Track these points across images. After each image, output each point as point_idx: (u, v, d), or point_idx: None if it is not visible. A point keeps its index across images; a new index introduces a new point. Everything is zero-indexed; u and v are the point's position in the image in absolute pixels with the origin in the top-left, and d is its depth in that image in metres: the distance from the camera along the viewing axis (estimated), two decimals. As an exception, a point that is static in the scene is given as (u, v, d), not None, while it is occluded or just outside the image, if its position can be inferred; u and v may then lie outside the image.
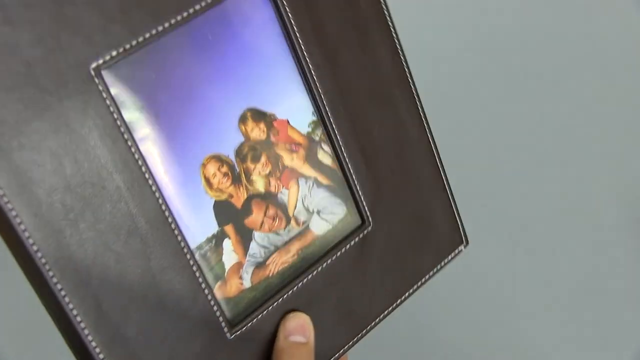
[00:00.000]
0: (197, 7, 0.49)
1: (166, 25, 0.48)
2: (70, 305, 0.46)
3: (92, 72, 0.46)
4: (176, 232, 0.49)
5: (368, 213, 0.58)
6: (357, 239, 0.58)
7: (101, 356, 0.47)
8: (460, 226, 0.63)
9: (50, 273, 0.45)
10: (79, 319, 0.47)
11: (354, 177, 0.57)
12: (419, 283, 0.62)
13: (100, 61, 0.46)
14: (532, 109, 0.67)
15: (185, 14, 0.48)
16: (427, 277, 0.62)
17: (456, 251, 0.64)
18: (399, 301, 0.61)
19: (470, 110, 0.66)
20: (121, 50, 0.46)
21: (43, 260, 0.45)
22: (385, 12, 0.56)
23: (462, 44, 0.66)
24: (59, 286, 0.46)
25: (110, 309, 0.48)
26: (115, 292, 0.48)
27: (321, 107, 0.54)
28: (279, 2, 0.52)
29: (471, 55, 0.67)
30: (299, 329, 0.55)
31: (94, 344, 0.47)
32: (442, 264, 0.63)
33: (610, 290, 0.75)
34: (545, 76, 0.67)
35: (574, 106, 0.68)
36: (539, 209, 0.69)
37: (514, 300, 0.65)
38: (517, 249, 0.68)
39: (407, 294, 0.61)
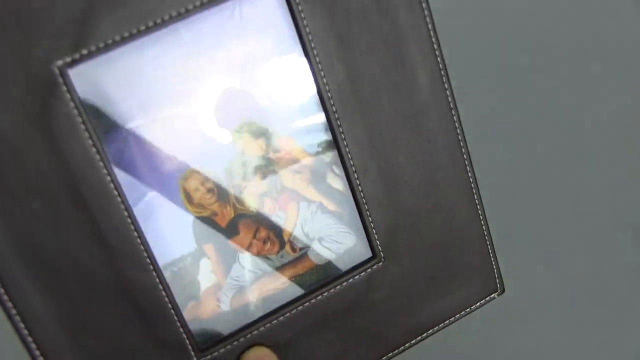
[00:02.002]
0: (191, 6, 0.43)
1: (151, 24, 0.43)
2: (15, 312, 0.44)
3: (57, 71, 0.42)
4: (143, 247, 0.45)
5: (380, 247, 0.51)
6: (363, 274, 0.52)
7: None
8: (495, 271, 0.56)
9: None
10: (23, 326, 0.44)
11: (367, 205, 0.50)
12: (435, 328, 0.55)
13: (68, 59, 0.42)
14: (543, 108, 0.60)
15: (175, 13, 0.43)
16: (446, 322, 0.55)
17: (487, 298, 0.56)
18: (409, 344, 0.55)
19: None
20: (93, 48, 0.42)
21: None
22: (430, 28, 0.48)
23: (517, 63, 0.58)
24: (5, 295, 0.43)
25: (64, 319, 0.45)
26: (72, 302, 0.45)
27: (335, 127, 0.48)
28: (296, 10, 0.46)
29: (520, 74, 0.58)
30: None
31: (38, 352, 0.45)
32: (468, 310, 0.56)
33: (610, 290, 0.69)
34: (543, 76, 0.58)
35: (574, 106, 0.60)
36: (539, 208, 0.61)
37: (514, 300, 0.58)
38: (516, 249, 0.61)
39: (420, 338, 0.55)
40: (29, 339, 0.45)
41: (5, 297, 0.44)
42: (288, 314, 0.50)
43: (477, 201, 0.53)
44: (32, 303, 0.44)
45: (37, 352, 0.45)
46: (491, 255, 0.55)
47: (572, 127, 0.62)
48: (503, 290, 0.56)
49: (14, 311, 0.44)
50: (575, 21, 0.59)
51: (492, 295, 0.56)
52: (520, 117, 0.60)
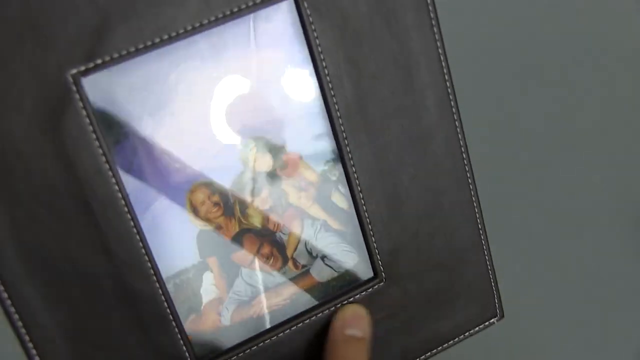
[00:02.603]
0: (206, 20, 0.44)
1: (165, 37, 0.43)
2: (16, 316, 0.44)
3: (70, 79, 0.42)
4: (147, 257, 0.45)
5: (382, 267, 0.51)
6: (364, 293, 0.52)
7: None
8: (495, 296, 0.56)
9: (5, 294, 0.43)
10: (23, 330, 0.44)
11: (371, 225, 0.50)
12: (434, 350, 0.55)
13: (82, 68, 0.42)
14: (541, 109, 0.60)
15: (190, 27, 0.44)
16: (445, 345, 0.55)
17: (486, 323, 0.56)
18: None
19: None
20: (107, 58, 0.42)
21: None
22: (440, 52, 0.49)
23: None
24: (9, 301, 0.43)
25: (70, 327, 0.45)
26: (73, 311, 0.45)
27: (342, 146, 0.48)
28: (308, 27, 0.46)
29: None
30: (355, 321, 0.50)
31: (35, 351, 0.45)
32: (467, 334, 0.56)
33: (610, 290, 0.69)
34: (542, 76, 0.59)
35: (573, 106, 0.60)
36: (538, 208, 0.62)
37: (514, 299, 0.58)
38: (516, 249, 0.61)
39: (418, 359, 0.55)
40: (30, 344, 0.45)
41: (8, 302, 0.44)
42: (288, 331, 0.50)
43: (480, 226, 0.53)
44: (34, 308, 0.44)
45: (35, 353, 0.45)
46: (492, 280, 0.55)
47: (583, 156, 0.62)
48: (502, 316, 0.56)
49: (16, 316, 0.44)
50: (586, 40, 0.59)
51: (491, 320, 0.56)
52: (527, 146, 0.60)
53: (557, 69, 0.59)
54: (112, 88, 0.43)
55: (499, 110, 0.59)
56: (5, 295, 0.44)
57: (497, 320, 0.56)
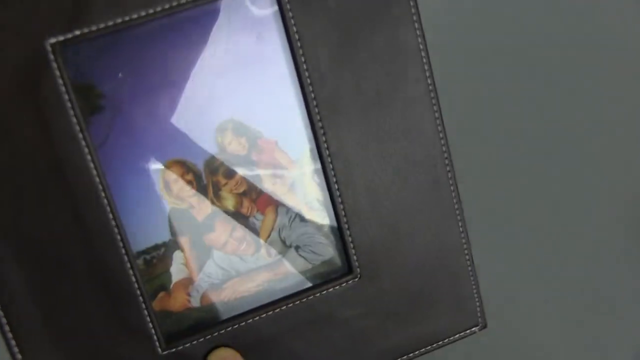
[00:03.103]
0: None
1: (150, 11, 0.45)
2: None
3: (49, 48, 0.44)
4: (117, 229, 0.47)
5: (357, 262, 0.51)
6: (337, 287, 0.52)
7: (12, 340, 0.46)
8: (477, 305, 0.55)
9: None
10: None
11: (347, 219, 0.50)
12: (410, 354, 0.54)
13: (61, 38, 0.44)
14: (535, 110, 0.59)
15: (175, 3, 0.45)
16: (422, 350, 0.54)
17: (467, 331, 0.55)
18: None
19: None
20: (86, 30, 0.44)
21: None
22: (422, 48, 0.49)
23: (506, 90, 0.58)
24: None
25: (40, 295, 0.46)
26: (48, 279, 0.46)
27: (319, 136, 0.49)
28: (285, 10, 0.47)
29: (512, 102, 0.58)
30: None
31: (10, 334, 0.46)
32: (445, 340, 0.55)
33: (610, 290, 0.66)
34: (541, 76, 0.58)
35: (573, 106, 0.59)
36: (538, 208, 0.60)
37: (514, 299, 0.57)
38: (516, 249, 0.59)
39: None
40: None
41: None
42: (258, 318, 0.50)
43: (461, 229, 0.53)
44: (5, 271, 0.46)
45: (4, 321, 0.46)
46: (474, 287, 0.54)
47: (566, 161, 0.61)
48: (485, 325, 0.55)
49: None
50: (573, 34, 0.59)
51: (472, 329, 0.55)
52: (510, 146, 0.59)
53: (542, 64, 0.59)
54: (90, 60, 0.45)
55: (481, 107, 0.58)
56: None
57: (479, 330, 0.55)
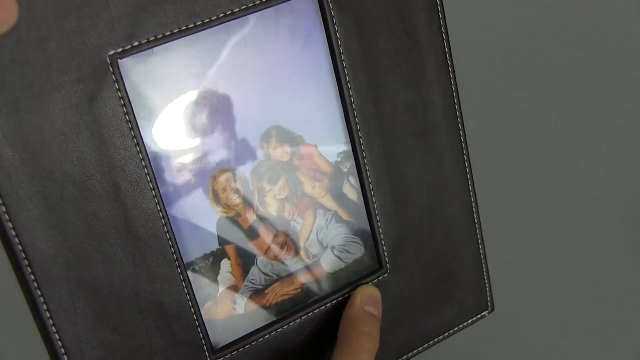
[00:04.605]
0: (237, 9, 0.45)
1: (199, 22, 0.44)
2: (42, 300, 0.44)
3: (108, 60, 0.43)
4: (171, 242, 0.46)
5: (387, 259, 0.53)
6: (369, 284, 0.53)
7: (66, 358, 0.45)
8: (488, 291, 0.58)
9: (25, 262, 0.43)
10: (48, 314, 0.44)
11: (379, 218, 0.52)
12: (431, 342, 0.57)
13: (119, 50, 0.43)
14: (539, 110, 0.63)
15: (222, 14, 0.45)
16: (440, 337, 0.57)
17: (479, 316, 0.58)
18: (404, 357, 0.56)
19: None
20: (144, 41, 0.43)
21: (20, 247, 0.42)
22: (447, 51, 0.52)
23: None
24: (32, 277, 0.43)
25: (85, 311, 0.45)
26: (93, 295, 0.45)
27: (356, 138, 0.50)
28: (329, 20, 0.48)
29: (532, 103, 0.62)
30: (374, 301, 0.52)
31: (60, 344, 0.44)
32: (461, 326, 0.58)
33: (610, 290, 0.71)
34: (544, 75, 0.62)
35: (585, 131, 0.64)
36: (538, 208, 0.64)
37: (514, 299, 0.60)
38: (516, 249, 0.63)
39: (415, 352, 0.57)
40: (50, 322, 0.44)
41: (35, 285, 0.43)
42: (299, 320, 0.51)
43: (476, 221, 0.56)
44: (57, 282, 0.44)
45: (57, 337, 0.45)
46: (485, 274, 0.58)
47: (578, 154, 0.65)
48: (493, 309, 0.59)
49: (41, 299, 0.44)
50: (589, 43, 0.62)
51: (483, 314, 0.59)
52: (525, 142, 0.62)
53: (562, 68, 0.62)
54: (148, 71, 0.44)
55: (499, 108, 0.61)
56: (33, 280, 0.43)
57: (488, 314, 0.59)
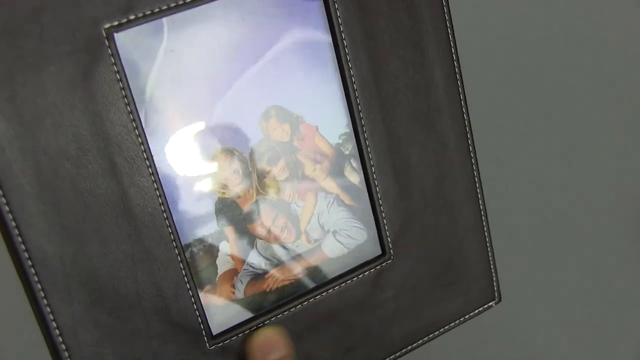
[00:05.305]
0: None
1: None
2: (36, 278, 0.43)
3: (104, 33, 0.42)
4: (168, 222, 0.45)
5: (391, 245, 0.52)
6: (372, 270, 0.52)
7: (60, 339, 0.44)
8: (494, 280, 0.57)
9: (19, 238, 0.42)
10: (42, 294, 0.43)
11: (381, 202, 0.51)
12: (436, 332, 0.56)
13: (115, 22, 0.42)
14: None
15: None
16: (446, 327, 0.56)
17: (485, 306, 0.57)
18: (409, 347, 0.55)
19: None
20: (140, 15, 0.43)
21: (13, 224, 0.42)
22: (449, 32, 0.51)
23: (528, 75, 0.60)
24: (25, 254, 0.42)
25: (79, 292, 0.44)
26: (88, 275, 0.44)
27: (357, 119, 0.49)
28: (331, 2, 0.47)
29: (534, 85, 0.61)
30: (272, 346, 0.48)
31: (54, 324, 0.43)
32: (466, 317, 0.57)
33: (611, 290, 0.70)
34: (556, 84, 0.61)
35: (585, 116, 0.63)
36: (539, 208, 0.63)
37: (514, 299, 0.59)
38: (516, 249, 0.62)
39: (419, 342, 0.55)
40: (44, 301, 0.43)
41: (28, 263, 0.43)
42: (300, 306, 0.50)
43: (481, 207, 0.55)
44: (51, 261, 0.43)
45: (51, 317, 0.44)
46: (491, 263, 0.56)
47: (581, 140, 0.64)
48: (500, 299, 0.58)
49: (35, 278, 0.43)
50: (592, 28, 0.61)
51: (489, 304, 0.57)
52: (529, 130, 0.62)
53: (569, 51, 0.61)
54: (143, 45, 0.43)
55: (504, 91, 0.60)
56: (27, 258, 0.43)
57: (495, 304, 0.57)
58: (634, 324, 0.72)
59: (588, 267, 0.68)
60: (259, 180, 0.48)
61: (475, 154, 0.53)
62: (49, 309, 0.43)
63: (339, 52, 0.48)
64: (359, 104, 0.49)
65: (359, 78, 0.49)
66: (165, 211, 0.45)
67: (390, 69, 0.50)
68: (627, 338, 0.73)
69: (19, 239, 0.42)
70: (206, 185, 0.47)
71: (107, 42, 0.42)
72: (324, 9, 0.48)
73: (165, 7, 0.43)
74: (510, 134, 0.60)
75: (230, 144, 0.47)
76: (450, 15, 0.51)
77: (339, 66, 0.49)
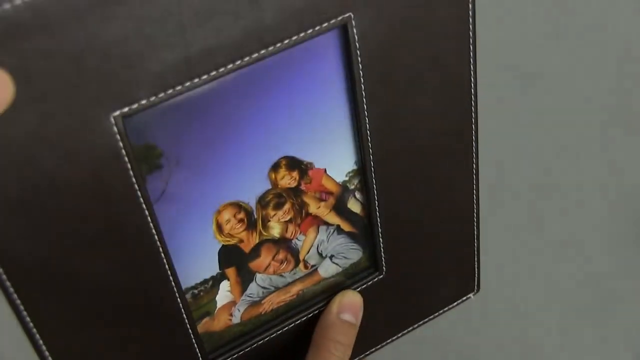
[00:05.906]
0: (252, 55, 0.41)
1: (196, 80, 0.40)
2: (28, 319, 0.43)
3: (113, 120, 0.39)
4: (169, 272, 0.45)
5: (384, 263, 0.53)
6: (364, 286, 0.53)
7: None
8: (476, 275, 0.59)
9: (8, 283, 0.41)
10: (38, 336, 0.43)
11: (380, 228, 0.51)
12: (419, 323, 0.59)
13: (126, 109, 0.39)
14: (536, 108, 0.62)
15: (223, 69, 0.40)
16: (428, 319, 0.59)
17: (464, 298, 0.60)
18: (394, 337, 0.58)
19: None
20: (144, 102, 0.39)
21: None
22: (472, 76, 0.48)
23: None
24: (15, 296, 0.42)
25: (84, 329, 0.44)
26: (89, 308, 0.44)
27: (366, 160, 0.48)
28: (352, 49, 0.43)
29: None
30: (351, 308, 0.51)
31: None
32: (446, 308, 0.59)
33: (611, 290, 0.74)
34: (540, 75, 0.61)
35: (586, 119, 0.63)
36: (539, 208, 0.66)
37: (514, 299, 0.63)
38: (516, 249, 0.65)
39: (404, 332, 0.58)
40: (40, 341, 0.44)
41: (24, 313, 0.42)
42: (293, 324, 0.52)
43: (475, 228, 0.55)
44: (46, 309, 0.43)
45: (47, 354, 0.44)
46: (476, 263, 0.58)
47: (579, 141, 0.63)
48: (478, 289, 0.60)
49: (28, 319, 0.43)
50: (592, 28, 0.59)
51: (469, 295, 0.60)
52: (523, 129, 0.61)
53: (564, 57, 0.59)
54: (149, 126, 0.40)
55: (497, 92, 0.58)
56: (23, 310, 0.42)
57: (473, 295, 0.60)
58: (634, 324, 0.75)
59: (588, 267, 0.70)
60: (263, 224, 0.47)
61: (477, 188, 0.53)
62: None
63: (355, 93, 0.45)
64: (370, 145, 0.47)
65: (373, 120, 0.47)
66: (167, 264, 0.44)
67: (406, 110, 0.48)
68: (622, 337, 0.76)
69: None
70: (211, 237, 0.46)
71: (115, 129, 0.39)
72: (344, 74, 0.44)
73: (171, 92, 0.40)
74: (503, 134, 0.59)
75: (237, 197, 0.45)
76: (476, 72, 0.48)
77: (353, 107, 0.46)
